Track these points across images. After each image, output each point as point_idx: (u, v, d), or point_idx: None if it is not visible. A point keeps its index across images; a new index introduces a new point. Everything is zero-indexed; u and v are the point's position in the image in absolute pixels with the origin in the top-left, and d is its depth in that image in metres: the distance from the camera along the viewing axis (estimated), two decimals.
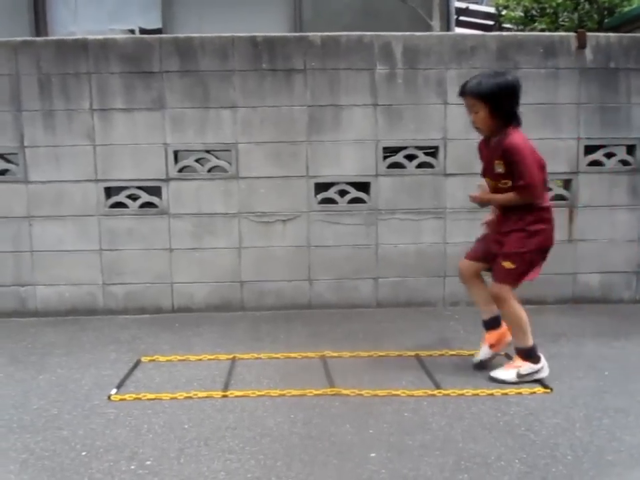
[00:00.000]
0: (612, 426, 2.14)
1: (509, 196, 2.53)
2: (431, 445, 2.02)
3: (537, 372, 2.54)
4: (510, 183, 2.52)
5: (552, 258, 3.78)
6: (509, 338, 2.69)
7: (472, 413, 2.27)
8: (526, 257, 2.54)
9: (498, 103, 2.46)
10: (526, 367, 2.54)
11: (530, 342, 2.56)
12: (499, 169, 2.53)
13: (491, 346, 2.70)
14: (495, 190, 2.61)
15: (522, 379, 2.52)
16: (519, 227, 2.54)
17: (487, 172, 2.62)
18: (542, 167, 2.55)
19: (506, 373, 2.56)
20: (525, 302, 3.74)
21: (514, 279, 2.55)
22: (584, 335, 3.21)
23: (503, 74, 2.55)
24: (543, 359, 2.58)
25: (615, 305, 3.80)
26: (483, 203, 2.71)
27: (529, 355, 2.56)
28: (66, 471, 1.89)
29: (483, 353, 2.72)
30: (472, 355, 2.89)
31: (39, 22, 5.27)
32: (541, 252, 2.60)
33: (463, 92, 2.55)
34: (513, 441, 2.04)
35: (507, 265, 2.54)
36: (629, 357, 2.87)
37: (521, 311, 2.57)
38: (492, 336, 2.70)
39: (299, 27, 5.21)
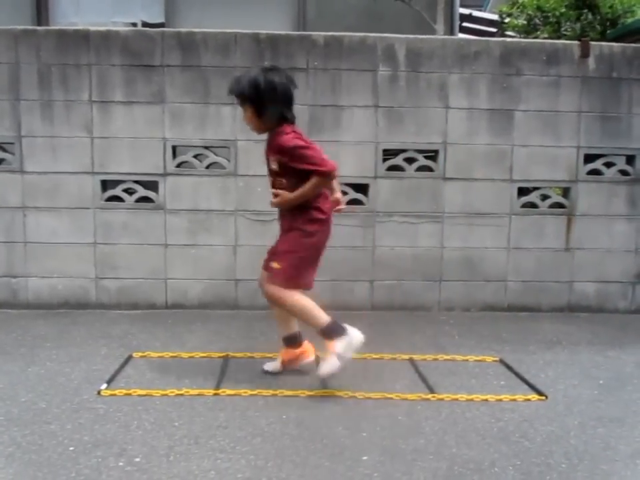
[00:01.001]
0: (607, 435, 2.13)
1: (307, 186, 2.38)
2: (424, 450, 1.99)
3: (351, 342, 2.39)
4: (284, 182, 2.44)
5: (549, 266, 3.82)
6: (307, 359, 2.63)
7: (466, 418, 2.25)
8: (295, 258, 2.45)
9: (260, 101, 2.38)
10: (338, 344, 2.38)
11: (324, 320, 2.42)
12: (274, 165, 2.46)
13: (283, 362, 2.65)
14: (274, 188, 2.51)
15: (344, 357, 2.38)
16: (295, 226, 2.46)
17: (267, 169, 2.54)
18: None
19: (329, 364, 2.39)
20: (520, 309, 3.79)
21: (282, 279, 2.44)
22: (579, 343, 3.20)
23: (264, 71, 2.42)
24: (348, 327, 2.43)
25: (610, 315, 3.80)
26: (286, 206, 2.50)
27: (332, 331, 2.40)
28: (53, 465, 1.85)
29: (273, 365, 2.67)
30: (466, 360, 2.88)
31: (41, 12, 5.25)
32: (314, 253, 2.51)
33: (229, 91, 2.48)
34: (507, 447, 2.02)
35: (275, 265, 2.46)
36: (623, 366, 2.86)
37: (301, 300, 2.45)
38: (287, 354, 2.63)
39: (302, 26, 5.21)
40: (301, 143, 2.40)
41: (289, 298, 2.44)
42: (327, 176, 2.40)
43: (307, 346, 2.66)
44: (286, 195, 2.44)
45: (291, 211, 2.48)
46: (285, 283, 2.45)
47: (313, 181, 2.37)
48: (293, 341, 2.63)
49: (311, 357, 2.64)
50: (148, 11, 5.39)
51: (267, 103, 2.38)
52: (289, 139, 2.38)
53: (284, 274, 2.44)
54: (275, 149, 2.44)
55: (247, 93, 2.39)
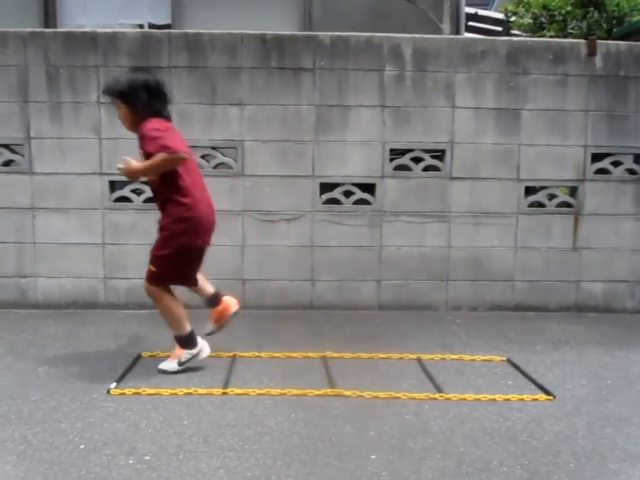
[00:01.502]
0: (614, 435, 2.12)
1: (151, 160, 2.46)
2: (432, 449, 2.00)
3: (195, 356, 2.67)
4: (154, 175, 2.57)
5: (556, 265, 3.82)
6: (232, 311, 2.82)
7: (473, 417, 2.25)
8: (167, 259, 2.58)
9: (133, 99, 2.54)
10: (184, 354, 2.66)
11: (184, 330, 2.65)
12: (143, 158, 2.56)
13: (215, 321, 2.83)
14: (150, 184, 2.68)
15: (183, 365, 2.65)
16: (165, 224, 2.59)
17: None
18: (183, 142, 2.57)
19: (169, 363, 2.67)
20: (527, 309, 3.79)
21: (157, 279, 2.62)
22: (587, 342, 3.20)
23: (137, 70, 2.69)
24: (200, 342, 2.69)
25: (618, 314, 3.79)
26: (131, 175, 2.64)
27: (185, 342, 2.66)
28: (63, 463, 1.87)
29: (210, 327, 2.84)
30: (474, 360, 2.89)
31: (48, 15, 5.27)
32: (188, 253, 2.62)
33: (104, 91, 2.65)
34: (515, 447, 2.02)
35: (151, 267, 2.63)
36: (631, 366, 2.85)
37: (172, 304, 2.64)
38: (214, 313, 2.83)
39: (308, 26, 5.21)
40: (156, 126, 2.49)
41: (164, 301, 2.63)
42: (171, 153, 2.44)
43: (227, 300, 2.85)
44: (132, 163, 2.52)
45: (161, 207, 2.61)
46: (158, 281, 2.62)
47: (158, 156, 2.44)
48: (213, 301, 2.82)
49: (234, 308, 2.85)
50: (154, 13, 5.41)
51: (140, 99, 2.53)
52: (147, 126, 2.49)
53: (158, 275, 2.61)
54: (141, 139, 2.53)
55: (121, 91, 2.55)
